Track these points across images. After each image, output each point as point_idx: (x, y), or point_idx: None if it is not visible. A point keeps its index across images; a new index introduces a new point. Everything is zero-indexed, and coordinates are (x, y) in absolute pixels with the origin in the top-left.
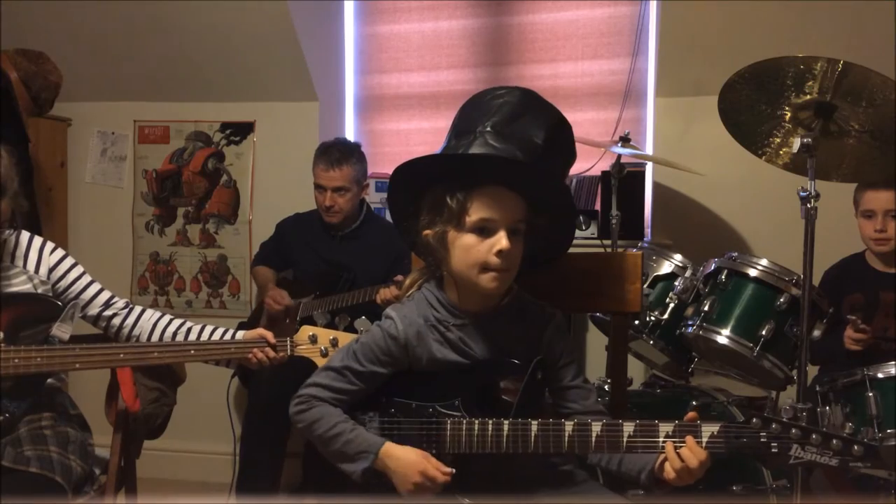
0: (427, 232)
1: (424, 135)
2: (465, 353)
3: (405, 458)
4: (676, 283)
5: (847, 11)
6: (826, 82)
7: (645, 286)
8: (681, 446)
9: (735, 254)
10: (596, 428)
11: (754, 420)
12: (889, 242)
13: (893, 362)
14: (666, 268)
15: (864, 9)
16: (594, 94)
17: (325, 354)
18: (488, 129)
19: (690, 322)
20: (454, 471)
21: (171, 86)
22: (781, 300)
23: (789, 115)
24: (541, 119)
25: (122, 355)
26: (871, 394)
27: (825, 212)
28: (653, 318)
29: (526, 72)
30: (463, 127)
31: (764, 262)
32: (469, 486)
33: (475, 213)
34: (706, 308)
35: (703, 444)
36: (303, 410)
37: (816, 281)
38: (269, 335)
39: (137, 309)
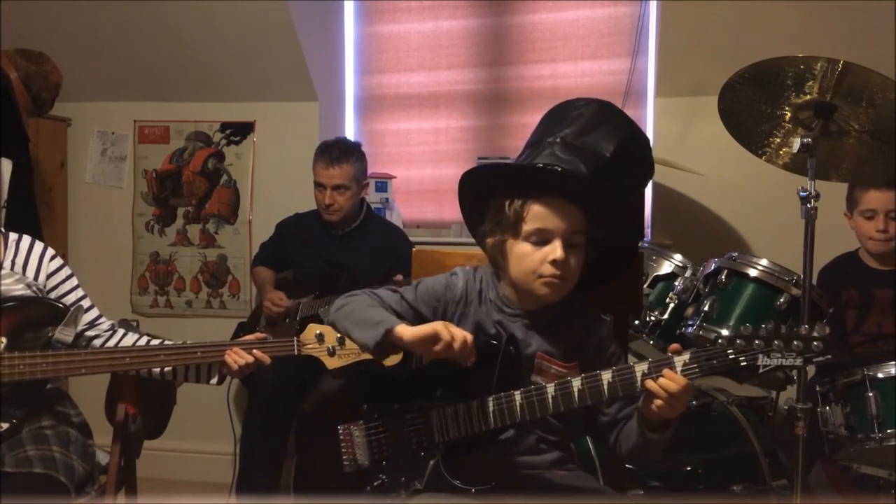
0: (489, 239)
1: (424, 135)
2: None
3: (420, 332)
4: (676, 283)
5: (847, 11)
6: (826, 82)
7: (645, 286)
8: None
9: (735, 254)
10: (576, 383)
11: (720, 341)
12: (889, 242)
13: (893, 362)
14: (666, 268)
15: (864, 9)
16: (594, 94)
17: (332, 353)
18: (558, 140)
19: (690, 322)
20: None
21: (171, 86)
22: (781, 300)
23: (789, 115)
24: (614, 132)
25: (127, 359)
26: (871, 394)
27: (825, 212)
28: (653, 318)
29: (526, 72)
30: (537, 137)
31: (764, 262)
32: (469, 482)
33: (531, 223)
34: (706, 308)
35: (679, 374)
36: (346, 296)
37: (816, 281)
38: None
39: (120, 332)
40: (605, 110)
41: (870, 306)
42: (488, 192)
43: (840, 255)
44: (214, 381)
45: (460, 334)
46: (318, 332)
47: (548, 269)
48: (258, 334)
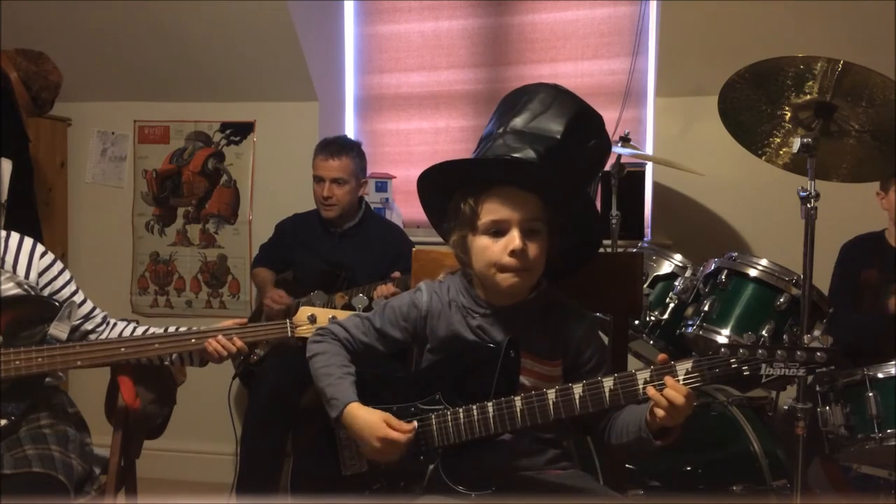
0: (452, 237)
1: (424, 135)
2: (481, 340)
3: (364, 421)
4: (676, 283)
5: (847, 11)
6: (826, 82)
7: (645, 286)
8: (661, 388)
9: (735, 254)
10: (577, 390)
11: (723, 350)
12: None
13: (893, 362)
14: (666, 268)
15: (864, 9)
16: (594, 94)
17: None
18: (508, 129)
19: (690, 322)
20: (415, 425)
21: (171, 86)
22: (781, 300)
23: (789, 115)
24: (562, 113)
25: (123, 349)
26: (871, 394)
27: (825, 212)
28: (653, 318)
29: (526, 72)
30: (489, 129)
31: (764, 262)
32: (469, 486)
33: (486, 216)
34: (706, 308)
35: (681, 382)
36: (315, 342)
37: (816, 281)
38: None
39: (112, 322)
40: (553, 93)
41: (889, 288)
42: (446, 191)
43: (864, 233)
44: (196, 363)
45: (402, 434)
46: (310, 314)
47: (507, 261)
48: (237, 320)
